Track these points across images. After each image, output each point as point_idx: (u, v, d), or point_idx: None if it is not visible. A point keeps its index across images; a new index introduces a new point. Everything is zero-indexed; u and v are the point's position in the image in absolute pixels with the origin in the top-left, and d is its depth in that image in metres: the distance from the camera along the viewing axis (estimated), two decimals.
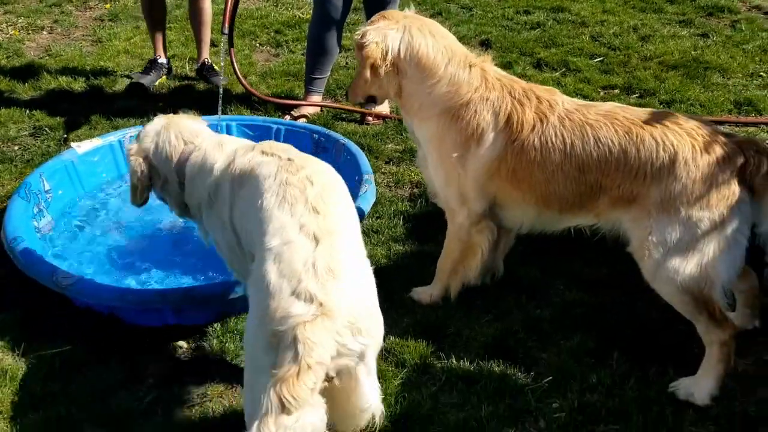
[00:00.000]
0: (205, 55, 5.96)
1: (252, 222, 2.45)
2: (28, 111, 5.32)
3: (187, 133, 2.94)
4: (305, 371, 2.02)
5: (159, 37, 5.85)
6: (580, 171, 2.86)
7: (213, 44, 6.31)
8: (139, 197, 3.05)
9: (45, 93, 5.70)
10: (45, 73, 6.04)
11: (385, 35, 3.03)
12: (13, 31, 7.17)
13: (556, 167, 2.90)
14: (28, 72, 6.10)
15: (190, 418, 2.77)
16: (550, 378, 2.90)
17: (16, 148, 4.87)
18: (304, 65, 6.10)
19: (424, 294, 3.38)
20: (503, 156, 2.97)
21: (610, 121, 2.84)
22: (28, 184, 3.77)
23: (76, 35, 7.19)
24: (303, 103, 5.32)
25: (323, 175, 2.55)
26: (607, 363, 2.97)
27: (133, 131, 4.39)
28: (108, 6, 7.88)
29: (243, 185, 2.59)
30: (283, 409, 2.00)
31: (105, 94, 5.71)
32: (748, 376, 2.91)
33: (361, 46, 3.09)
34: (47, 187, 3.87)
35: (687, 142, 2.73)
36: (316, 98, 5.37)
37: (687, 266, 2.70)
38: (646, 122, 2.81)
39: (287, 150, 2.65)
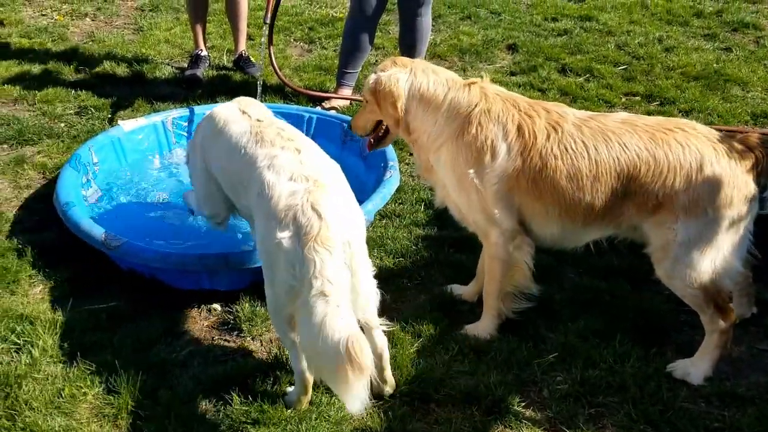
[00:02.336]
0: (242, 47, 6.23)
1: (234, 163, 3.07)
2: (73, 91, 5.61)
3: None
4: (326, 226, 2.53)
5: (201, 32, 6.13)
6: (608, 176, 2.86)
7: (249, 38, 6.59)
8: None
9: (89, 76, 5.99)
10: (89, 57, 6.35)
11: (397, 80, 3.10)
12: (57, 17, 7.50)
13: (581, 174, 2.88)
14: (72, 56, 6.41)
15: (222, 371, 3.00)
16: (556, 354, 3.11)
17: (62, 125, 5.15)
18: (335, 61, 6.37)
19: (480, 331, 3.24)
20: (520, 167, 2.94)
21: (631, 127, 2.90)
22: (78, 156, 4.05)
23: (118, 23, 7.49)
24: (333, 95, 5.56)
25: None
26: (610, 344, 3.17)
27: (175, 113, 4.66)
28: None
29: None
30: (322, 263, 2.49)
31: (146, 80, 5.99)
32: (741, 361, 3.11)
33: (374, 91, 3.16)
34: (95, 160, 4.15)
35: (708, 146, 2.84)
36: (347, 92, 5.61)
37: (705, 264, 2.83)
38: (666, 128, 2.88)
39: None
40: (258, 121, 3.25)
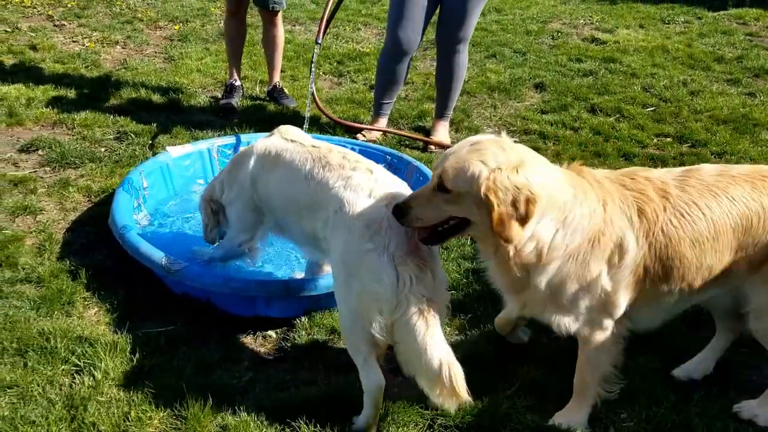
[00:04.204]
0: (277, 78, 6.30)
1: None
2: (111, 117, 5.65)
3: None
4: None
5: (237, 63, 6.20)
6: (726, 234, 2.71)
7: (281, 70, 6.66)
8: None
9: (126, 102, 6.03)
10: (123, 84, 6.40)
11: (528, 177, 2.51)
12: (89, 44, 7.58)
13: (702, 237, 2.69)
14: (107, 82, 6.47)
15: (285, 398, 2.98)
16: (619, 391, 3.09)
17: (102, 149, 5.17)
18: (366, 94, 6.48)
19: (574, 422, 2.92)
20: (647, 251, 2.69)
21: (730, 179, 2.75)
22: (130, 180, 4.07)
23: (149, 52, 7.58)
24: (369, 127, 5.62)
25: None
26: (670, 381, 3.16)
27: (220, 141, 4.69)
28: (177, 27, 8.30)
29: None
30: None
31: (182, 107, 6.04)
32: None
33: (490, 189, 2.48)
34: (145, 185, 4.16)
35: None
36: (383, 121, 5.68)
37: None
38: (763, 176, 2.76)
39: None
40: (314, 147, 3.30)
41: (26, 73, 6.48)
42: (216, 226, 3.66)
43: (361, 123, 5.79)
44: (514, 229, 2.51)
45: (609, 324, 2.81)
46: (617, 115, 6.28)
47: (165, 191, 4.37)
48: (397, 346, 2.69)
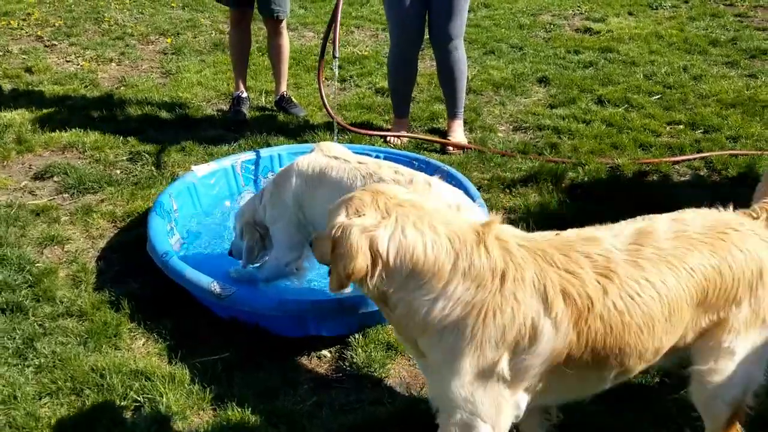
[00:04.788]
0: (284, 87, 6.22)
1: None
2: (121, 137, 5.55)
3: None
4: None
5: (242, 74, 6.12)
6: (681, 311, 2.36)
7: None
8: None
9: (133, 121, 5.93)
10: (127, 102, 6.29)
11: (373, 238, 2.18)
12: (83, 62, 7.45)
13: (654, 320, 2.32)
14: (109, 101, 6.36)
15: (352, 421, 2.93)
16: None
17: (118, 171, 5.08)
18: (374, 98, 6.46)
19: None
20: (575, 340, 2.26)
21: (689, 243, 2.38)
22: (161, 204, 3.99)
23: (144, 67, 7.46)
24: (388, 133, 5.57)
25: None
26: None
27: (244, 156, 4.63)
28: (169, 40, 8.18)
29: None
30: None
31: (190, 122, 5.94)
32: None
33: (337, 243, 2.20)
34: (175, 207, 4.08)
35: (764, 247, 2.47)
36: (405, 123, 5.70)
37: (756, 377, 2.53)
38: (720, 233, 2.44)
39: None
40: (360, 163, 3.27)
41: (27, 98, 6.35)
42: (263, 250, 3.61)
43: (372, 128, 5.77)
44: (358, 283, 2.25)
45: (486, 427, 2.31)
46: (626, 105, 6.28)
47: (193, 211, 4.29)
48: None
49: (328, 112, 5.33)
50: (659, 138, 5.68)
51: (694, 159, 5.27)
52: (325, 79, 6.52)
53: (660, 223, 2.44)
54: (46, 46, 7.97)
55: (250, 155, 4.65)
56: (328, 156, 3.34)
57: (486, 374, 2.23)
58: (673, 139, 5.66)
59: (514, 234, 2.34)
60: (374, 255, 2.17)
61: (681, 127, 5.89)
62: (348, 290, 2.44)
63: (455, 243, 2.21)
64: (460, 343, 2.21)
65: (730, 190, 4.68)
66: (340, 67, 5.00)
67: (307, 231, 3.40)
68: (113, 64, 7.52)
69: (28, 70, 7.08)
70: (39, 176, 4.99)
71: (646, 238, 2.37)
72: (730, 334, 2.45)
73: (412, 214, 2.21)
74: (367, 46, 8.12)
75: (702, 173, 5.18)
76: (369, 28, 8.88)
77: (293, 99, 6.24)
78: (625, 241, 2.35)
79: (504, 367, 2.23)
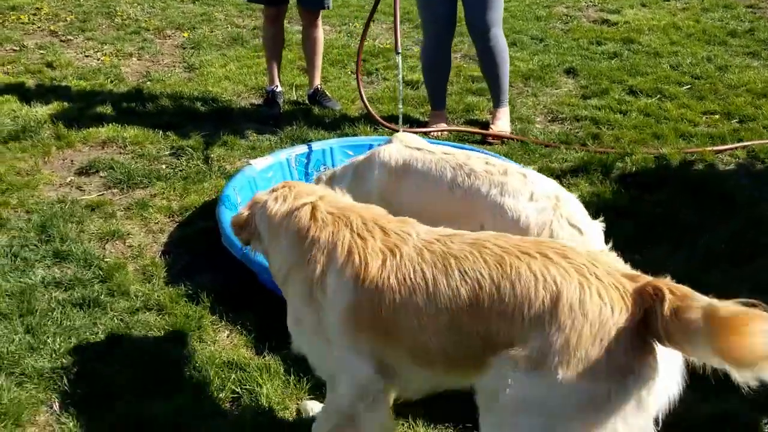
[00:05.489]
0: (317, 81, 6.18)
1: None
2: (161, 132, 5.48)
3: None
4: (587, 240, 2.71)
5: (276, 68, 6.08)
6: (448, 314, 2.21)
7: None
8: None
9: (168, 115, 5.86)
10: (156, 96, 6.22)
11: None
12: (103, 57, 7.35)
13: (420, 311, 2.24)
14: (138, 95, 6.27)
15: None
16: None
17: (163, 166, 5.02)
18: (407, 91, 6.41)
19: None
20: (359, 301, 2.34)
21: (478, 249, 2.25)
22: (227, 197, 3.95)
23: (166, 62, 7.38)
24: (428, 129, 5.53)
25: None
26: None
27: (298, 150, 4.60)
28: (186, 35, 8.10)
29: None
30: None
31: (225, 117, 5.88)
32: None
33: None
34: (239, 200, 4.04)
35: (574, 280, 2.09)
36: (443, 114, 5.70)
37: None
38: (523, 252, 2.20)
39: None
40: (446, 154, 3.26)
41: (54, 93, 6.25)
42: None
43: (417, 122, 5.77)
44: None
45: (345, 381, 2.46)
46: (659, 96, 6.32)
47: None
48: None
49: (366, 107, 5.33)
50: (697, 128, 5.72)
51: (737, 148, 5.31)
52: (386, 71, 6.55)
53: (484, 232, 2.42)
54: (62, 41, 7.85)
55: (303, 148, 4.62)
56: (410, 147, 3.32)
57: (314, 330, 2.48)
58: (712, 129, 5.70)
59: (333, 200, 2.61)
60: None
61: (716, 117, 5.93)
62: None
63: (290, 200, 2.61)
64: (290, 297, 2.59)
65: None
66: (398, 57, 4.97)
67: None
68: (134, 58, 7.43)
69: (49, 65, 6.97)
70: (84, 172, 4.91)
71: (453, 237, 2.35)
72: (507, 363, 2.09)
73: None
74: (386, 39, 8.10)
75: (744, 162, 5.22)
76: (384, 21, 8.85)
77: (327, 92, 6.19)
78: (431, 234, 2.39)
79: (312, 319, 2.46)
